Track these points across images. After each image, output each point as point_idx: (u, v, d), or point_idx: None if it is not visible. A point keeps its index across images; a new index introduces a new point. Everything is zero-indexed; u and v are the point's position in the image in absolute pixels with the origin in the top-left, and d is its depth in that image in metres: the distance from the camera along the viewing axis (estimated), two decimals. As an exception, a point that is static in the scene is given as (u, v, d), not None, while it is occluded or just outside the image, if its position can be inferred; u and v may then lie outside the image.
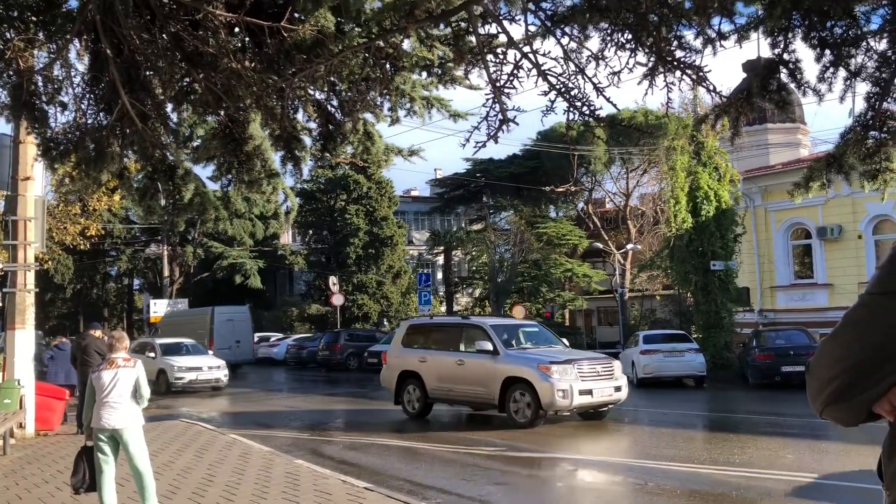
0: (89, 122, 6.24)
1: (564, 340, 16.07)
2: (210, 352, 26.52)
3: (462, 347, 15.13)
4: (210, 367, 23.48)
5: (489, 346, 14.07)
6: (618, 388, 13.87)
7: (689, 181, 25.32)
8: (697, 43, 4.69)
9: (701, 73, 3.98)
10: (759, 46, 5.63)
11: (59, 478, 9.04)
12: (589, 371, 13.56)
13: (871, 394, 1.29)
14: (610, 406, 14.19)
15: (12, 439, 11.49)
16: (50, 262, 34.67)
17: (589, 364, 13.78)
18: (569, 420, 14.17)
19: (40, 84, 6.20)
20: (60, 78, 6.23)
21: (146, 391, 6.73)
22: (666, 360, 21.22)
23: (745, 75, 20.74)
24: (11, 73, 5.99)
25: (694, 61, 4.04)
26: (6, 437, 10.93)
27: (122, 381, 6.55)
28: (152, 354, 23.68)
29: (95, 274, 55.91)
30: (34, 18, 5.89)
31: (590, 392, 13.33)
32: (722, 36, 4.70)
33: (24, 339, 12.75)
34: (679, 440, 12.23)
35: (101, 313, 56.47)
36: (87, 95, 6.23)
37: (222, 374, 23.48)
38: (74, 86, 6.21)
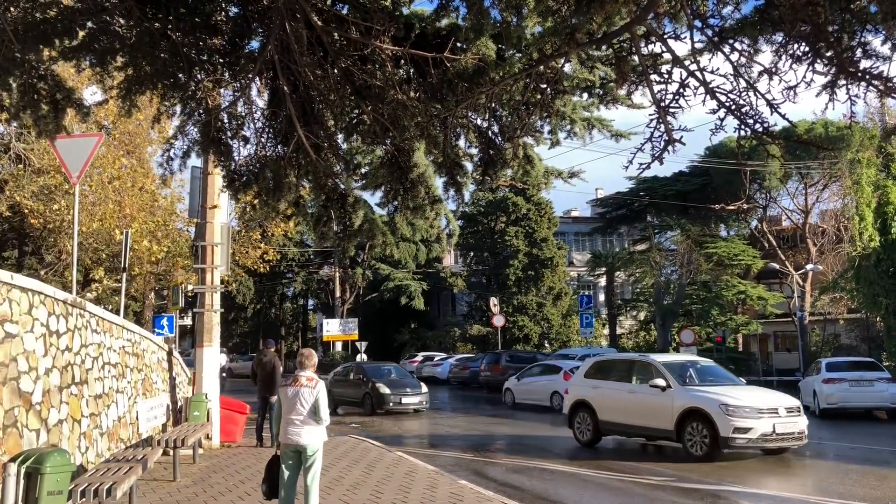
0: (268, 154, 6.68)
1: None
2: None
3: None
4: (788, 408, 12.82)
5: None
6: None
7: (876, 196, 23.41)
8: (885, 49, 4.33)
9: (889, 84, 3.66)
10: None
11: (242, 487, 9.64)
12: None
13: None
14: None
15: (200, 449, 12.38)
16: (233, 284, 37.36)
17: None
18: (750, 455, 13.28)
19: (225, 120, 6.72)
20: (243, 114, 6.73)
21: (324, 413, 6.83)
22: (852, 390, 19.56)
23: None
24: (201, 111, 6.53)
25: (881, 71, 3.72)
26: (195, 447, 11.80)
27: (302, 399, 6.79)
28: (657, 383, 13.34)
29: (273, 295, 59.86)
30: (221, 60, 6.38)
31: None
32: (914, 40, 4.31)
33: (211, 355, 13.77)
34: (870, 478, 11.21)
35: (278, 332, 60.28)
36: (266, 129, 6.67)
37: (804, 425, 12.88)
38: (255, 121, 6.69)
